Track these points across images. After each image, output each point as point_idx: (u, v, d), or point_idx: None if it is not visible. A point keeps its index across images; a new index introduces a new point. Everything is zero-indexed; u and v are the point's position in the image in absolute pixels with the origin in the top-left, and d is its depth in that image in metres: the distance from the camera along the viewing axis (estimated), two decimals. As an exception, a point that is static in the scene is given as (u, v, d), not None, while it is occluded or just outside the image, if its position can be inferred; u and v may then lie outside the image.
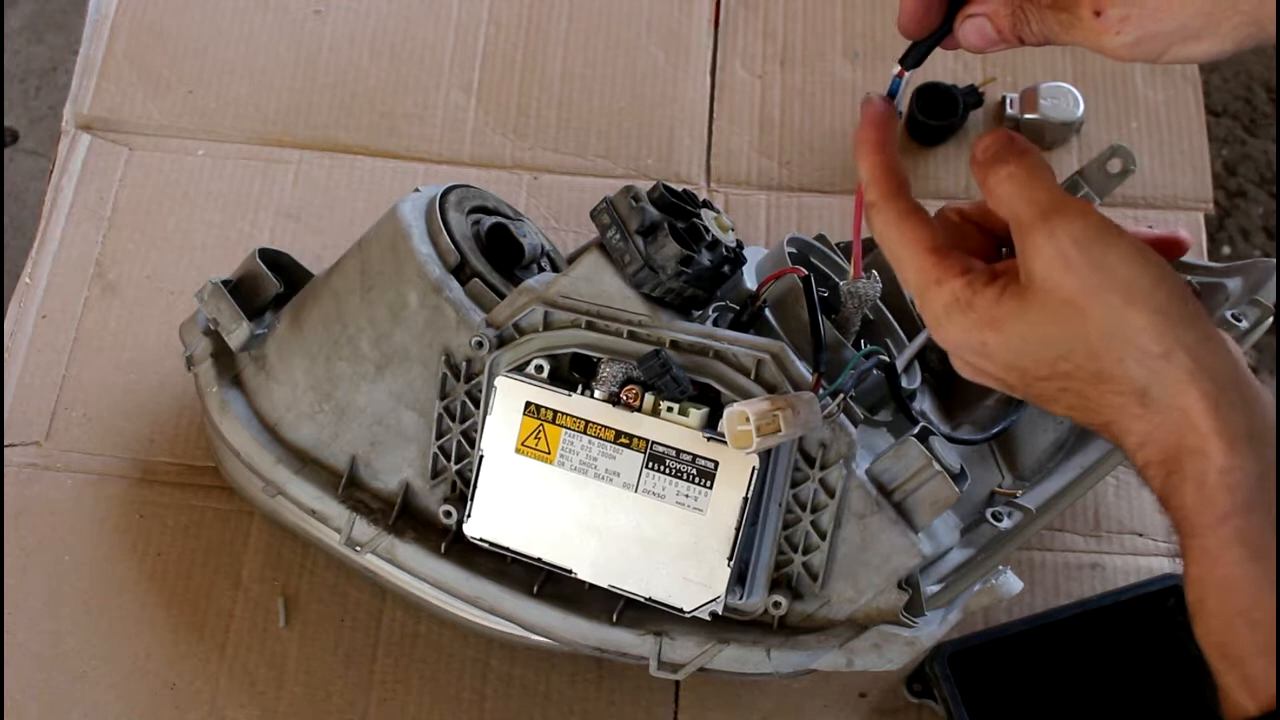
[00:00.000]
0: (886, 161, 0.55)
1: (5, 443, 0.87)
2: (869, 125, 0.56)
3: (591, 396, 0.67)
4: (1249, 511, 0.46)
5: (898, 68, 0.58)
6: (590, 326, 0.68)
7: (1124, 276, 0.48)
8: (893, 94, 0.58)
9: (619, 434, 0.67)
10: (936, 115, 0.98)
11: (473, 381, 0.71)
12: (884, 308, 0.75)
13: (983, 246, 0.58)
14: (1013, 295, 0.50)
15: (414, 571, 0.74)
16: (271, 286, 0.78)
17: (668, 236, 0.65)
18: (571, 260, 0.73)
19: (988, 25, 0.53)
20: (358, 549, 0.75)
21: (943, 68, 0.99)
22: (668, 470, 0.66)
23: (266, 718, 0.79)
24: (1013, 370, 0.52)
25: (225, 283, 0.78)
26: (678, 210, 0.67)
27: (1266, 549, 0.46)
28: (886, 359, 0.68)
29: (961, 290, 0.52)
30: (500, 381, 0.68)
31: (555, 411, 0.67)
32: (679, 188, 0.68)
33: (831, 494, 0.67)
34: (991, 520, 0.72)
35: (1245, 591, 0.46)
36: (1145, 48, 0.49)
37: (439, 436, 0.72)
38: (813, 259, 0.77)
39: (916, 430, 0.67)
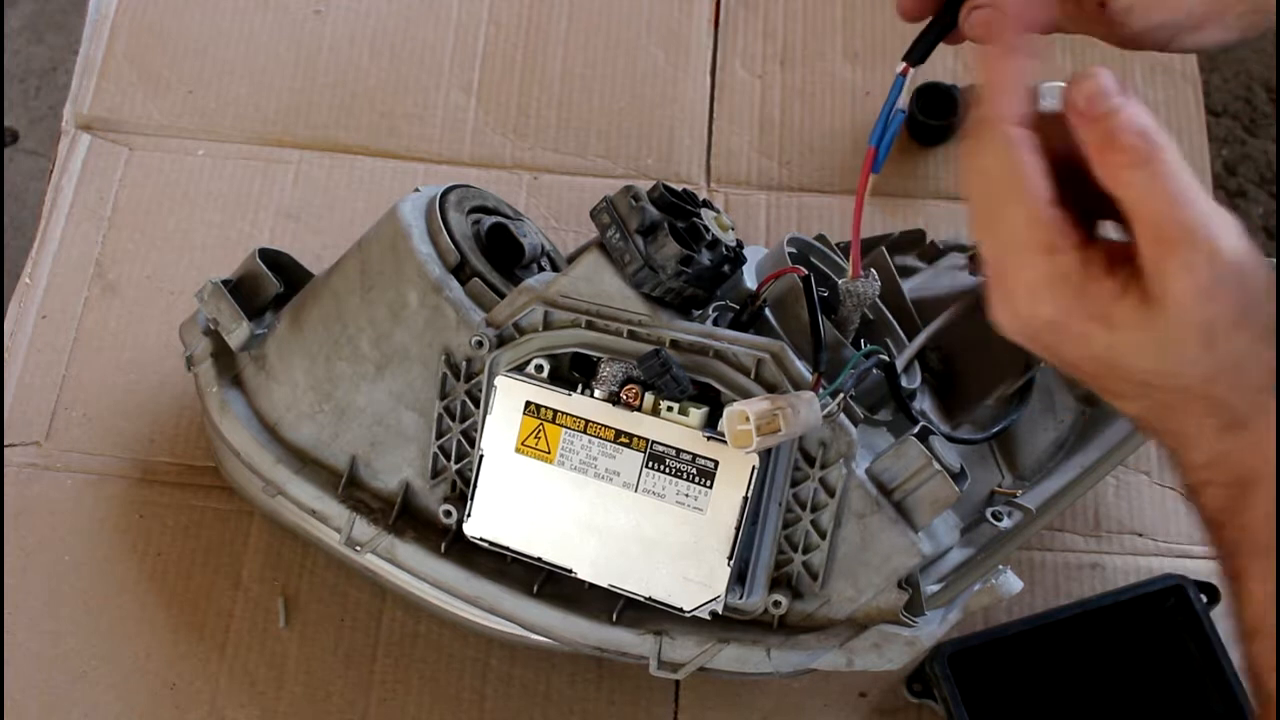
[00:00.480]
0: (1018, 68, 0.48)
1: (5, 443, 0.87)
2: (1003, 24, 0.48)
3: (591, 396, 0.67)
4: None
5: (902, 64, 0.57)
6: (590, 326, 0.68)
7: (1263, 313, 0.46)
8: (896, 94, 0.57)
9: (619, 433, 0.67)
10: (936, 115, 0.98)
11: (473, 381, 0.71)
12: (884, 307, 0.75)
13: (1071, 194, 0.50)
14: (1138, 300, 0.46)
15: (414, 571, 0.74)
16: (271, 286, 0.78)
17: (668, 236, 0.65)
18: (571, 260, 0.73)
19: (990, 15, 0.51)
20: (358, 549, 0.75)
21: (942, 68, 0.99)
22: (668, 470, 0.66)
23: (266, 718, 0.79)
24: (1103, 366, 0.48)
25: (225, 283, 0.78)
26: (678, 210, 0.67)
27: None
28: (886, 358, 0.68)
29: (1075, 269, 0.46)
30: (500, 381, 0.68)
31: (555, 411, 0.67)
32: (679, 187, 0.68)
33: (831, 493, 0.67)
34: (991, 520, 0.72)
35: None
36: (1151, 37, 0.49)
37: (439, 436, 0.72)
38: (813, 259, 0.77)
39: (916, 430, 0.67)
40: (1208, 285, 0.45)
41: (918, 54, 0.56)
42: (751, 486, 0.65)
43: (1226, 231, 0.45)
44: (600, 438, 0.67)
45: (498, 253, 0.74)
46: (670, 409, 0.66)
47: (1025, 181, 0.46)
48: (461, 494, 0.73)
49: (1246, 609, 0.47)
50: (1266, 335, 0.45)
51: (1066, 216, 0.47)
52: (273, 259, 0.79)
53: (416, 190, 0.75)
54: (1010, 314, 0.49)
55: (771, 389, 0.65)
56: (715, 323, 0.70)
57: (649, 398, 0.66)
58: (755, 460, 0.64)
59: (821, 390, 0.65)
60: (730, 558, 0.67)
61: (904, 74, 0.56)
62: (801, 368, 0.66)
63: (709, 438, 0.65)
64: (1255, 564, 0.46)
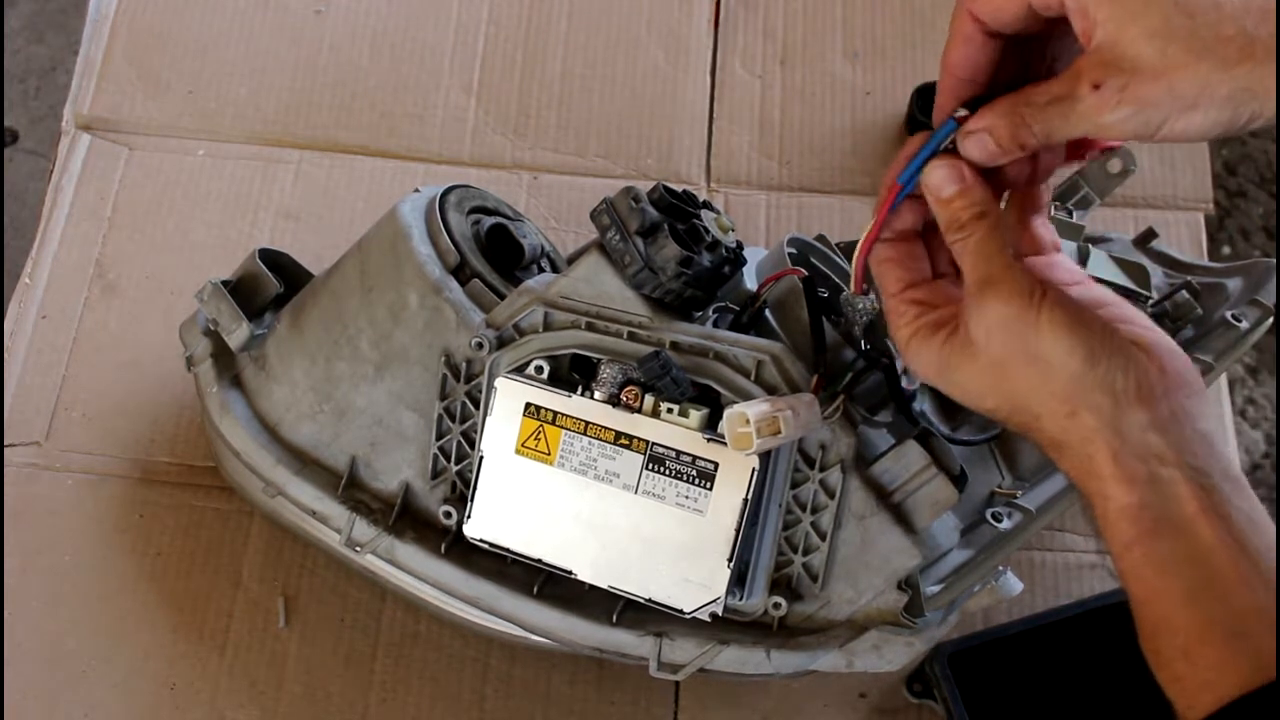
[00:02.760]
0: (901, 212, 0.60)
1: (5, 443, 0.87)
2: (895, 163, 0.59)
3: (591, 397, 0.67)
4: (1154, 538, 0.53)
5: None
6: (590, 327, 0.68)
7: (1041, 349, 0.54)
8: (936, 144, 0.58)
9: (619, 435, 0.67)
10: (936, 115, 0.98)
11: (473, 382, 0.71)
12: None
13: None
14: (954, 347, 0.57)
15: (414, 572, 0.74)
16: (271, 286, 0.78)
17: (668, 238, 0.65)
18: (571, 261, 0.73)
19: (989, 140, 0.55)
20: (358, 549, 0.75)
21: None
22: (668, 471, 0.66)
23: (266, 718, 0.79)
24: (965, 400, 0.59)
25: (225, 283, 0.78)
26: (678, 211, 0.67)
27: (1173, 568, 0.53)
28: (887, 360, 0.68)
29: (915, 332, 0.59)
30: (500, 382, 0.68)
31: (555, 412, 0.67)
32: (679, 188, 0.68)
33: (831, 495, 0.67)
34: (991, 521, 0.72)
35: (1159, 603, 0.53)
36: (1142, 119, 0.50)
37: (439, 437, 0.72)
38: (813, 259, 0.77)
39: (916, 432, 0.67)
40: (990, 328, 0.55)
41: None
42: (751, 488, 0.65)
43: (1011, 286, 0.55)
44: (600, 439, 0.67)
45: (498, 253, 0.74)
46: (670, 411, 0.65)
47: (882, 284, 0.60)
48: (461, 495, 0.73)
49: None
50: (1048, 369, 0.55)
51: (913, 292, 0.59)
52: (273, 259, 0.79)
53: (416, 190, 0.75)
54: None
55: (771, 390, 0.65)
56: (715, 324, 0.70)
57: (649, 399, 0.66)
58: (755, 462, 0.64)
59: (822, 392, 0.65)
60: (730, 559, 0.67)
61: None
62: (801, 369, 0.66)
63: (709, 439, 0.65)
64: (1116, 566, 0.56)
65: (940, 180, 0.57)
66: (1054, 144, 0.55)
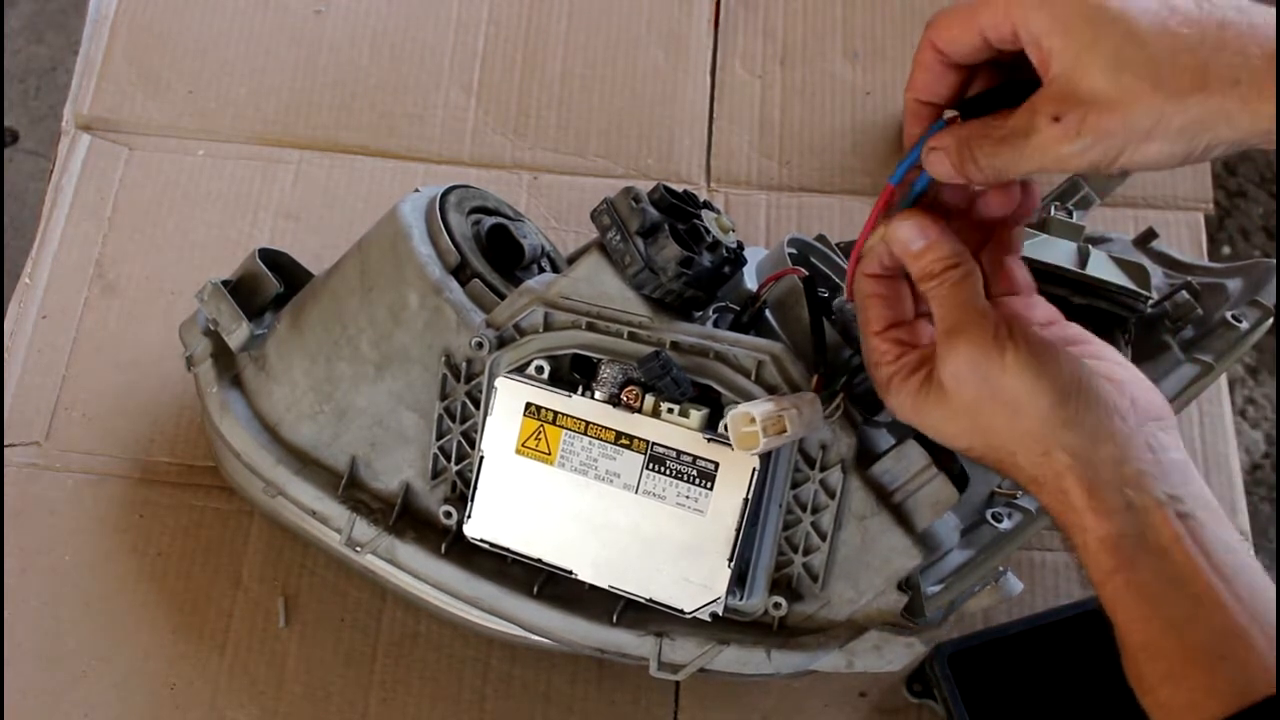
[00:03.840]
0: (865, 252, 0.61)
1: (5, 443, 0.87)
2: (873, 214, 0.61)
3: (592, 397, 0.67)
4: (1133, 566, 0.54)
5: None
6: (590, 328, 0.68)
7: (1009, 391, 0.56)
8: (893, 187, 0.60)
9: (619, 435, 0.67)
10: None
11: (473, 382, 0.71)
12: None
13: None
14: (927, 391, 0.59)
15: (414, 572, 0.74)
16: (271, 286, 0.78)
17: (668, 238, 0.65)
18: (571, 261, 0.73)
19: (945, 160, 0.56)
20: (358, 549, 0.75)
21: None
22: (668, 471, 0.66)
23: (266, 718, 0.79)
24: (941, 440, 0.61)
25: (225, 283, 0.78)
26: (678, 211, 0.67)
27: (1154, 594, 0.54)
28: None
29: (894, 374, 0.60)
30: (500, 382, 0.68)
31: (556, 412, 0.67)
32: (679, 188, 0.68)
33: (832, 495, 0.67)
34: (991, 521, 0.72)
35: (1142, 629, 0.54)
36: (1101, 151, 0.50)
37: (439, 437, 0.72)
38: (813, 259, 0.77)
39: (916, 431, 0.67)
40: (959, 373, 0.57)
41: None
42: (752, 488, 0.65)
43: (977, 332, 0.56)
44: (601, 439, 0.67)
45: (498, 254, 0.74)
46: (670, 411, 0.66)
47: (864, 319, 0.62)
48: (462, 495, 0.73)
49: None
50: (1017, 410, 0.56)
51: (892, 335, 0.61)
52: (273, 259, 0.79)
53: (416, 190, 0.75)
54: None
55: (772, 390, 0.65)
56: (716, 324, 0.70)
57: (649, 399, 0.66)
58: (755, 462, 0.64)
59: (822, 392, 0.65)
60: (730, 559, 0.67)
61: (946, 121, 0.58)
62: (802, 369, 0.66)
63: (709, 439, 0.65)
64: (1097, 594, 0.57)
65: (907, 236, 0.58)
66: (1005, 179, 0.55)
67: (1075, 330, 0.62)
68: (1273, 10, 0.49)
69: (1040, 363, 0.56)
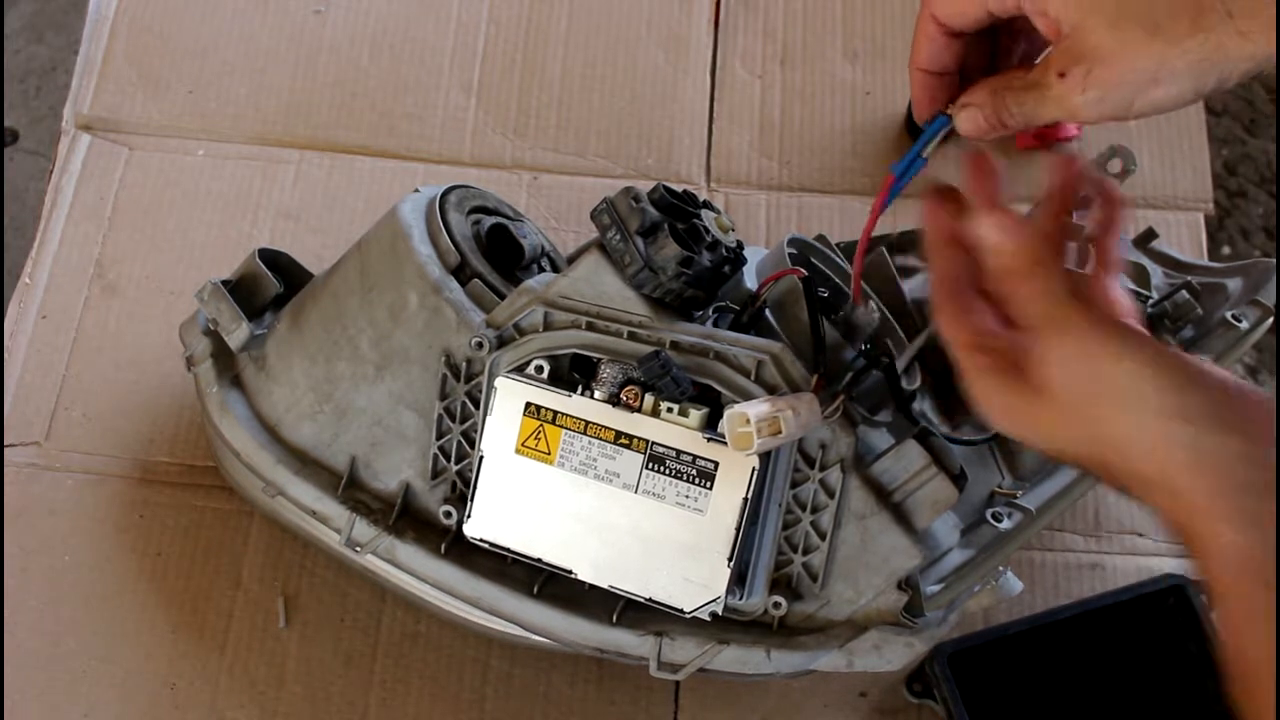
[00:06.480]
0: (951, 264, 0.59)
1: (5, 443, 0.87)
2: (931, 218, 0.58)
3: (591, 397, 0.67)
4: (1254, 583, 0.48)
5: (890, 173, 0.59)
6: (590, 327, 0.68)
7: (1122, 386, 0.52)
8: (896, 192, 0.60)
9: (619, 435, 0.67)
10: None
11: (473, 382, 0.71)
12: (885, 310, 0.75)
13: None
14: (1030, 391, 0.54)
15: (414, 572, 0.74)
16: (271, 286, 0.78)
17: (668, 237, 0.65)
18: (571, 261, 0.73)
19: (979, 115, 0.56)
20: (358, 549, 0.75)
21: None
22: (668, 471, 0.66)
23: (266, 718, 0.79)
24: (1042, 445, 0.57)
25: (225, 283, 0.78)
26: (678, 211, 0.67)
27: (1272, 619, 0.47)
28: (886, 360, 0.68)
29: (989, 382, 0.56)
30: (500, 382, 0.68)
31: (555, 412, 0.67)
32: (679, 188, 0.68)
33: (831, 494, 0.67)
34: (991, 521, 0.72)
35: (1253, 653, 0.48)
36: (1112, 101, 0.52)
37: (439, 437, 0.72)
38: (813, 259, 0.77)
39: (916, 431, 0.67)
40: (1069, 368, 0.53)
41: (908, 162, 0.59)
42: (751, 488, 0.65)
43: (1087, 322, 0.53)
44: (600, 439, 0.67)
45: (498, 253, 0.74)
46: (670, 410, 0.66)
47: (953, 332, 0.58)
48: (461, 495, 0.73)
49: (1225, 650, 0.50)
50: (1131, 407, 0.52)
51: (983, 340, 0.56)
52: (272, 259, 0.79)
53: (416, 190, 0.75)
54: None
55: (771, 390, 0.65)
56: (715, 324, 0.70)
57: (649, 399, 0.66)
58: (755, 462, 0.64)
59: (822, 392, 0.65)
60: (730, 559, 0.67)
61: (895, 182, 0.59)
62: (801, 369, 0.66)
63: (709, 439, 0.65)
64: (1220, 608, 0.51)
65: (988, 232, 0.56)
66: (1033, 125, 0.56)
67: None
68: None
69: (1156, 353, 0.52)
